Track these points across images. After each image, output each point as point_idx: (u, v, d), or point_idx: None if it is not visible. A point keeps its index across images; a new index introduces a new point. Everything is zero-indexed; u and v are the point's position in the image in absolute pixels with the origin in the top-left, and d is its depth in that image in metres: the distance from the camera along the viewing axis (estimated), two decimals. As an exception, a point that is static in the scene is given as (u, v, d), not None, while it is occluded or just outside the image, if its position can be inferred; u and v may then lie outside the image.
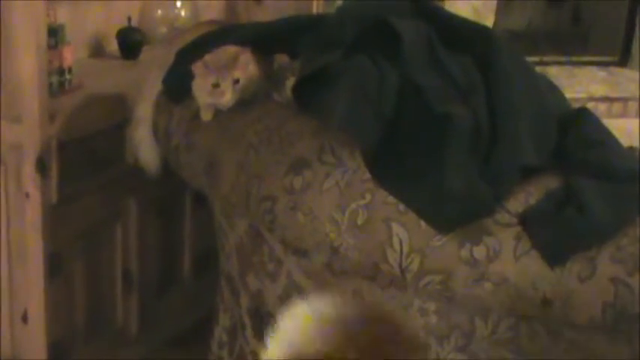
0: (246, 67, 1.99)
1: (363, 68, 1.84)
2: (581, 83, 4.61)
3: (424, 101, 1.77)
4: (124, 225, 2.68)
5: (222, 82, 1.98)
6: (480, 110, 1.78)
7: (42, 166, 2.33)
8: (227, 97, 1.98)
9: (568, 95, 2.19)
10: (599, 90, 4.57)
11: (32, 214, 2.37)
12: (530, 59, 2.11)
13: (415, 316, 1.78)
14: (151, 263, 2.83)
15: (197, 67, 2.01)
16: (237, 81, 1.98)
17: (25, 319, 2.48)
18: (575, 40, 4.91)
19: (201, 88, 2.02)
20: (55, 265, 2.44)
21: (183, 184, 2.28)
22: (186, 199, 2.93)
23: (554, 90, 2.11)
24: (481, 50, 1.92)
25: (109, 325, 2.73)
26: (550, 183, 1.71)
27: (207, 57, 2.00)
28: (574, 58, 4.84)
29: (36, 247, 2.39)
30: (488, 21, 4.36)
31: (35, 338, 2.48)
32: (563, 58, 4.81)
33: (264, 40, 2.06)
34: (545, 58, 4.66)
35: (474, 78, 1.86)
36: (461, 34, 1.96)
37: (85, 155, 2.47)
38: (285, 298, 1.96)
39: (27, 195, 2.35)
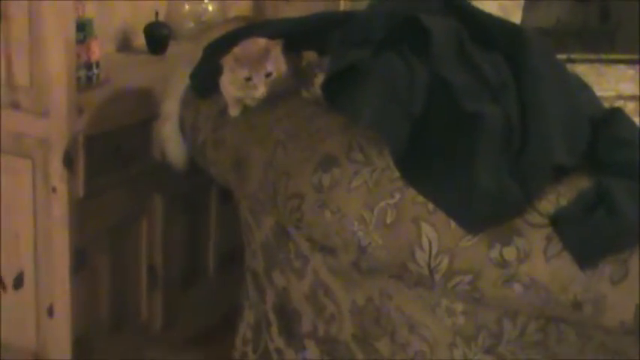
0: (277, 60, 1.98)
1: (392, 66, 1.82)
2: (609, 81, 4.58)
3: (454, 99, 1.75)
4: (149, 220, 2.68)
5: (254, 76, 1.96)
6: (510, 108, 1.76)
7: (69, 161, 2.33)
8: (261, 91, 1.97)
9: (596, 94, 2.17)
10: (628, 88, 4.53)
11: (59, 208, 2.37)
12: (558, 57, 2.09)
13: (443, 316, 1.76)
14: (175, 259, 2.84)
15: (227, 61, 1.99)
16: (269, 74, 1.97)
17: (50, 313, 2.49)
18: (603, 38, 4.87)
19: (232, 82, 2.00)
20: (80, 260, 2.44)
21: (209, 179, 2.27)
22: (211, 195, 2.93)
23: (585, 89, 2.08)
24: (512, 48, 1.89)
25: (134, 320, 2.74)
26: (581, 183, 1.69)
27: (237, 50, 1.99)
28: (602, 56, 4.80)
29: (62, 242, 2.40)
30: (516, 18, 4.33)
31: (60, 332, 2.49)
32: (591, 56, 4.77)
33: (293, 36, 2.04)
34: (573, 56, 4.62)
35: (504, 76, 1.84)
36: (491, 32, 1.94)
37: (112, 150, 2.48)
38: (311, 296, 1.95)
39: (54, 189, 2.36)
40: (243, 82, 1.98)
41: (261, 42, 2.00)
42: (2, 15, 2.31)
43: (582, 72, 4.24)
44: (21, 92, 2.35)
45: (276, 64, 1.98)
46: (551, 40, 4.33)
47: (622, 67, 4.77)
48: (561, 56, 4.29)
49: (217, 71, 2.05)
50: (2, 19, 2.32)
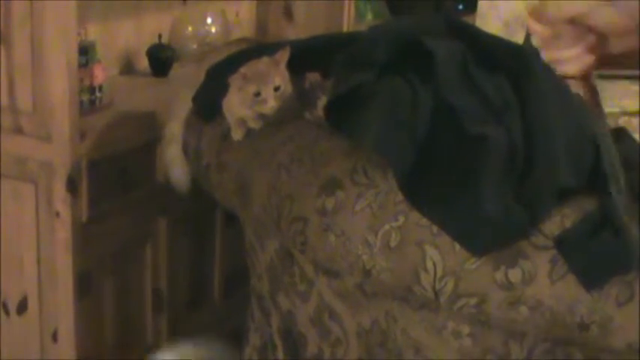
0: (285, 73, 1.98)
1: (397, 89, 1.82)
2: (613, 97, 4.56)
3: (458, 122, 1.74)
4: (153, 244, 2.68)
5: (263, 90, 1.97)
6: (514, 130, 1.75)
7: (72, 185, 2.33)
8: (270, 104, 1.97)
9: (600, 110, 2.16)
10: (632, 104, 4.52)
11: (62, 233, 2.37)
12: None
13: (449, 339, 1.75)
14: (180, 282, 2.83)
15: (235, 80, 1.99)
16: (277, 88, 1.97)
17: (55, 338, 2.48)
18: (607, 53, 4.86)
19: (241, 102, 2.00)
20: (84, 285, 2.44)
21: (213, 202, 2.26)
22: (216, 218, 2.93)
23: (589, 110, 2.07)
24: (515, 69, 1.89)
25: (139, 344, 2.73)
26: (586, 205, 1.68)
27: (244, 69, 1.98)
28: (606, 72, 4.79)
29: (66, 266, 2.40)
30: (519, 35, 4.33)
31: (65, 357, 2.48)
32: (595, 72, 4.76)
33: (297, 58, 2.04)
34: (577, 73, 4.61)
35: (508, 97, 1.83)
36: (495, 53, 1.93)
37: (115, 174, 2.48)
38: (316, 319, 1.94)
39: (57, 214, 2.36)
40: (252, 99, 1.98)
41: (267, 59, 2.00)
42: (4, 40, 2.32)
43: (586, 88, 4.23)
44: (24, 117, 2.35)
45: (284, 77, 1.99)
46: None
47: (626, 82, 4.76)
48: (565, 73, 4.27)
49: (220, 93, 2.05)
50: (4, 44, 2.32)
